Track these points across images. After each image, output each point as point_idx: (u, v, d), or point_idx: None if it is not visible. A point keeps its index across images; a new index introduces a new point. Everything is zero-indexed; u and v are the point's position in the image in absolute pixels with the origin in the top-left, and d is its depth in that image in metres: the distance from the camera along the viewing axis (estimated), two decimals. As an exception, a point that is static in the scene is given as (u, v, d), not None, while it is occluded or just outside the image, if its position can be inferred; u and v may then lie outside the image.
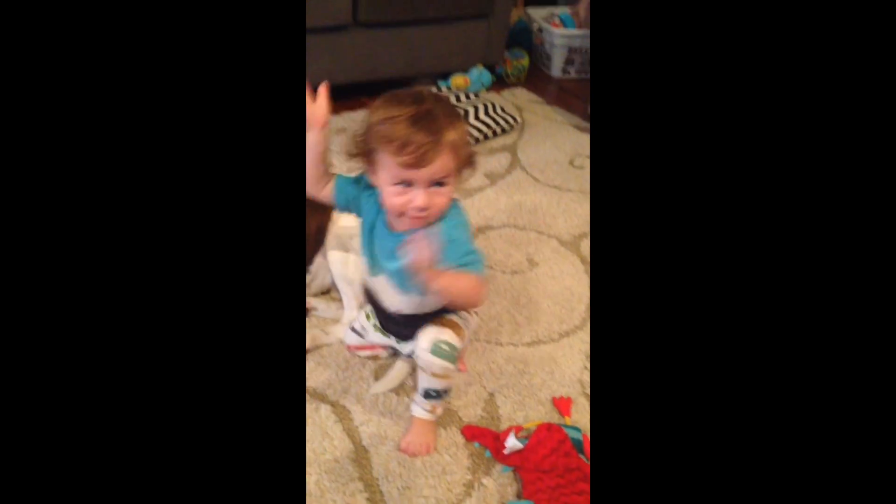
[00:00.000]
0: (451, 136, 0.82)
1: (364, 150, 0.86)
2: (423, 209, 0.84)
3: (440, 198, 0.85)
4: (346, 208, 0.96)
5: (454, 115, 0.86)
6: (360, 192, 0.94)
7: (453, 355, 0.94)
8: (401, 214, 0.87)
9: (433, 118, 0.81)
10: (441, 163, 0.82)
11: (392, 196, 0.85)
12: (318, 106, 0.86)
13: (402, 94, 0.86)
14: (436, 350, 0.93)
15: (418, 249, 0.76)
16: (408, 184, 0.83)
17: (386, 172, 0.84)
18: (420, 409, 1.00)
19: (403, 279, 0.93)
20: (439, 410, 1.01)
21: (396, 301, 0.99)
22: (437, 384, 0.97)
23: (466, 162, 0.88)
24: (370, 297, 1.07)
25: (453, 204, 0.92)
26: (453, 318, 0.99)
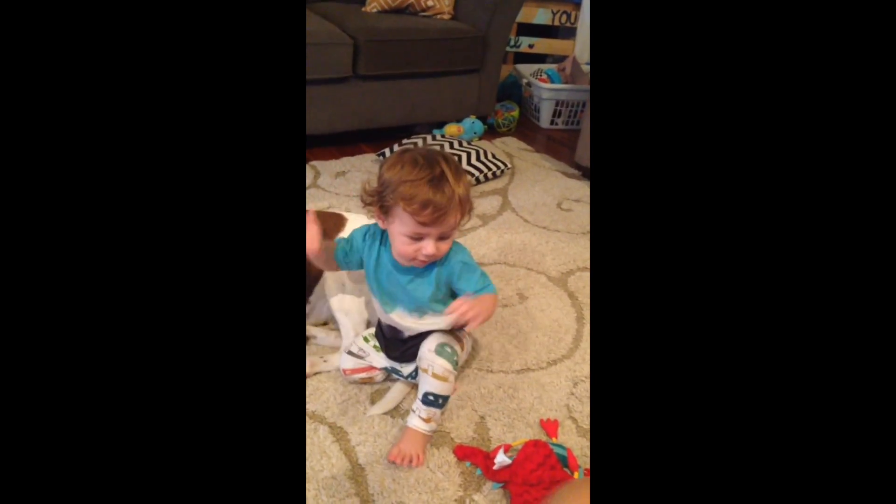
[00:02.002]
0: (460, 191, 0.95)
1: (381, 203, 0.98)
2: (431, 256, 0.98)
3: (445, 245, 0.99)
4: (346, 266, 1.11)
5: (460, 171, 0.98)
6: (353, 250, 1.08)
7: (454, 359, 1.04)
8: (410, 260, 1.00)
9: (446, 181, 0.94)
10: (450, 221, 0.95)
11: (403, 245, 0.98)
12: (309, 237, 1.00)
13: (415, 154, 0.97)
14: (440, 350, 1.03)
15: (466, 313, 0.93)
16: (419, 237, 0.96)
17: (401, 226, 0.97)
18: (416, 419, 1.06)
19: (423, 304, 1.06)
20: (433, 424, 1.06)
21: (413, 326, 1.10)
22: (436, 387, 1.04)
23: (467, 212, 1.00)
24: (384, 332, 1.16)
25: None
26: (457, 332, 1.12)
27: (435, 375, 1.03)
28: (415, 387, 1.19)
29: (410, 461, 1.03)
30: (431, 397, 1.05)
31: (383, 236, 1.06)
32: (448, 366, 1.03)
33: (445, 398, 1.06)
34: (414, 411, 1.07)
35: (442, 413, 1.08)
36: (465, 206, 0.97)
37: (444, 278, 1.04)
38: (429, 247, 0.96)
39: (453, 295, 1.07)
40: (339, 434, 1.10)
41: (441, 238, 0.97)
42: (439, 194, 0.92)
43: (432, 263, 1.03)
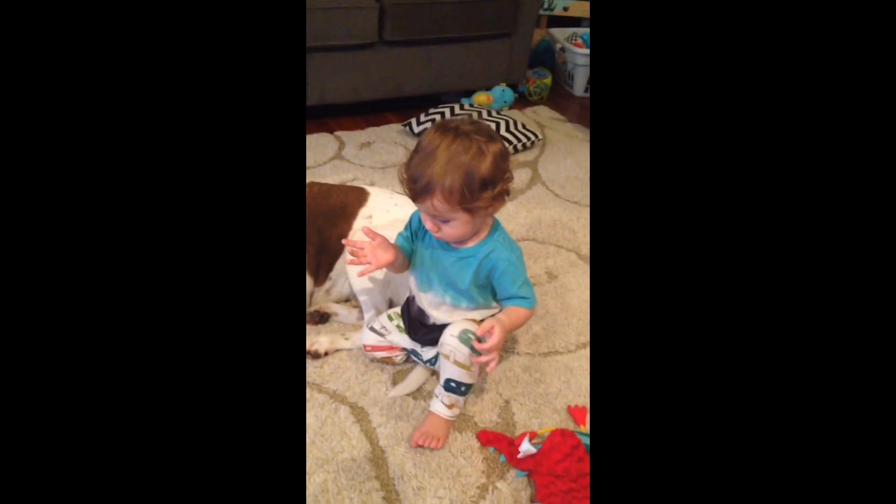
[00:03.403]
0: (447, 182, 0.85)
1: None
2: (435, 234, 0.94)
3: (448, 228, 0.93)
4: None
5: (465, 159, 0.85)
6: (413, 232, 1.05)
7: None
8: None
9: (435, 161, 0.85)
10: (430, 204, 0.88)
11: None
12: (384, 251, 0.97)
13: (440, 129, 0.89)
14: (463, 337, 0.98)
15: (491, 343, 0.90)
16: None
17: None
18: (438, 404, 1.02)
19: (461, 289, 1.01)
20: (456, 410, 1.03)
21: (440, 316, 1.06)
22: (458, 375, 1.00)
23: (474, 205, 0.88)
24: (410, 311, 1.12)
25: (496, 226, 1.00)
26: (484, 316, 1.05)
27: (457, 363, 0.99)
28: (433, 371, 1.15)
29: (432, 443, 1.00)
30: (453, 384, 1.01)
31: None
32: (470, 353, 0.98)
33: (469, 385, 1.02)
34: (436, 396, 1.03)
35: (465, 399, 1.05)
36: (455, 198, 0.86)
37: (485, 270, 0.98)
38: (426, 222, 0.94)
39: (493, 288, 1.03)
40: (359, 415, 1.08)
41: (441, 220, 0.91)
42: (419, 173, 0.87)
43: (476, 249, 0.98)
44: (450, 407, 1.02)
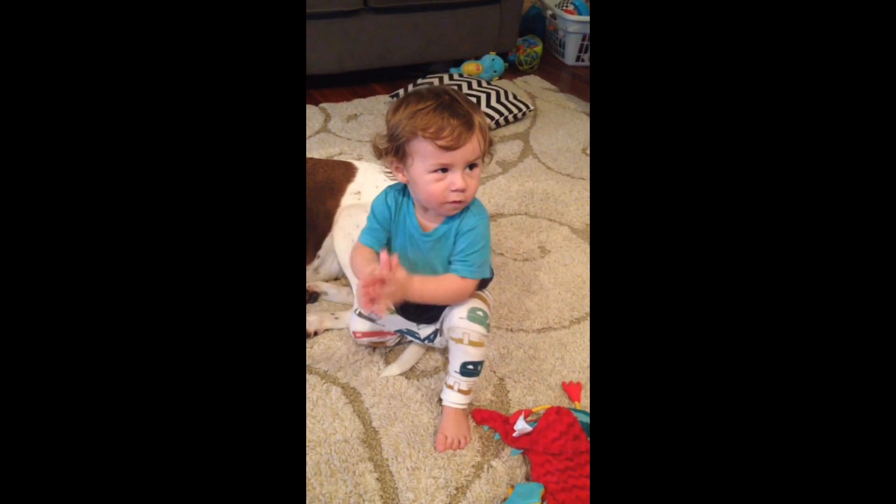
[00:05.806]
0: (478, 119, 0.88)
1: (395, 146, 0.89)
2: (462, 190, 0.88)
3: (473, 180, 0.90)
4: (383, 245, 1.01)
5: (473, 104, 0.91)
6: (381, 226, 0.99)
7: (486, 322, 0.97)
8: (441, 203, 0.90)
9: (458, 104, 0.87)
10: (474, 144, 0.87)
11: (431, 184, 0.88)
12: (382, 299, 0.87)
13: (416, 91, 0.91)
14: (472, 316, 0.95)
15: (367, 298, 0.83)
16: (444, 169, 0.88)
17: (423, 161, 0.87)
18: (455, 395, 0.98)
19: (439, 271, 0.97)
20: (472, 395, 1.00)
21: None
22: (474, 354, 0.96)
23: (488, 148, 0.93)
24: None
25: (474, 200, 0.96)
26: (478, 292, 1.02)
27: (472, 343, 0.95)
28: (430, 347, 1.13)
29: (460, 444, 0.97)
30: (471, 366, 0.97)
31: (406, 196, 0.97)
32: (483, 330, 0.95)
33: (482, 363, 0.99)
34: (451, 387, 0.99)
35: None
36: (486, 135, 0.90)
37: (454, 239, 0.95)
38: (457, 180, 0.87)
39: None
40: (352, 395, 1.06)
41: (469, 167, 0.89)
42: (455, 117, 0.86)
43: (449, 223, 0.94)
44: (467, 393, 0.98)
